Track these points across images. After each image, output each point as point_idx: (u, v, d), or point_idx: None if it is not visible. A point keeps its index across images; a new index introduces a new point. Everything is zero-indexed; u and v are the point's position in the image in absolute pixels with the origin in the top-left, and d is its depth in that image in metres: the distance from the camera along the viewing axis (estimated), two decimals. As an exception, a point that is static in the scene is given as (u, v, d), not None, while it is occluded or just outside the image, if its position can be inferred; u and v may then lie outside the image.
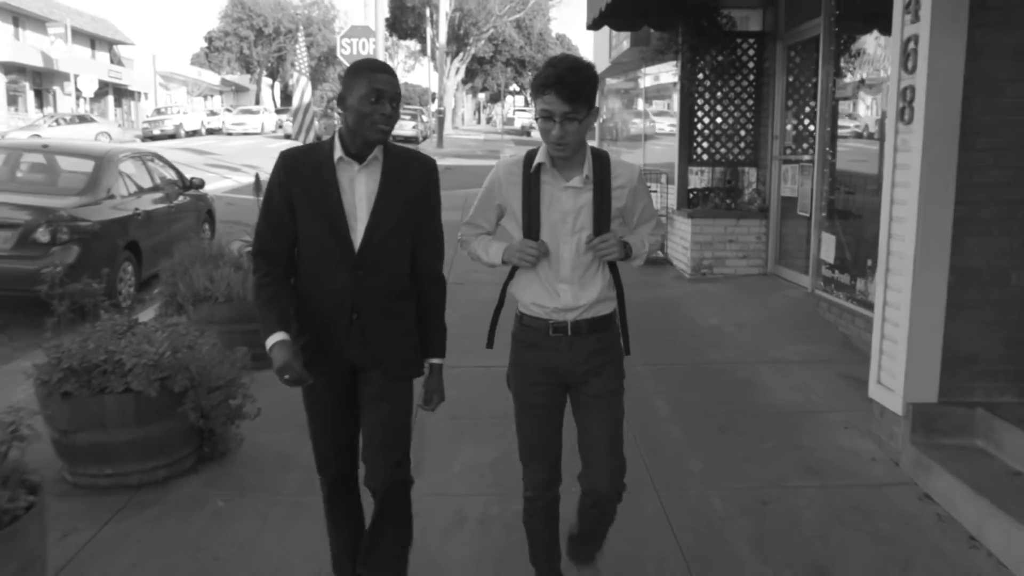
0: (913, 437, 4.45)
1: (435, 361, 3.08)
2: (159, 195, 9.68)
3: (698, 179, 10.17)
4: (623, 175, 2.98)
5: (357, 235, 2.85)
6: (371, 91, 2.74)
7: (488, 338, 3.18)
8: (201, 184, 11.10)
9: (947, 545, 3.79)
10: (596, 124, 16.98)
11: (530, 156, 2.96)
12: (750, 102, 9.53)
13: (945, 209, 4.36)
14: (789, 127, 8.92)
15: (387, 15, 21.27)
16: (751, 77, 9.50)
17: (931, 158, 4.31)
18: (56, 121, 36.88)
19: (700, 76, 9.58)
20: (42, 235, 7.62)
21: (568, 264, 2.93)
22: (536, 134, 38.01)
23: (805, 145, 8.39)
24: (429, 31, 48.48)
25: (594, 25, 9.93)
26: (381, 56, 16.35)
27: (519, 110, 65.29)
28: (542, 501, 3.12)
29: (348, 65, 2.90)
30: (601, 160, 2.95)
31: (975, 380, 4.44)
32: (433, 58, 49.43)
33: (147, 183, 9.66)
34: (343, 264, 2.86)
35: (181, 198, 10.35)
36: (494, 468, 4.52)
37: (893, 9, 4.56)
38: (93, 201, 8.33)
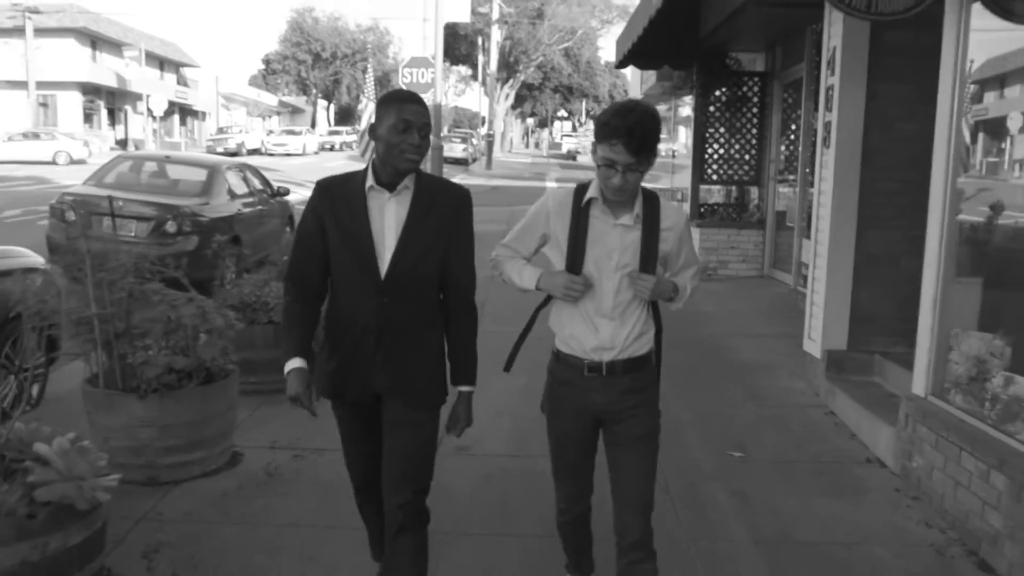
0: (827, 375, 6.13)
1: (464, 389, 3.06)
2: (253, 199, 11.61)
3: (708, 196, 11.90)
4: (671, 218, 2.98)
5: (383, 262, 2.87)
6: (399, 121, 2.77)
7: (508, 360, 3.21)
8: (287, 192, 13.05)
9: (833, 436, 5.49)
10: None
11: (580, 189, 2.97)
12: (753, 131, 11.25)
13: (852, 209, 6.06)
14: (782, 153, 10.63)
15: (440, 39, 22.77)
16: (754, 110, 11.23)
17: (841, 173, 6.02)
18: (9, 138, 36.36)
19: (711, 109, 11.33)
20: (170, 227, 9.56)
21: (609, 300, 2.93)
22: (582, 159, 40.62)
23: (792, 168, 10.09)
24: (481, 58, 50.66)
25: (620, 65, 11.77)
26: (440, 86, 18.25)
27: (566, 135, 67.12)
28: (572, 514, 3.19)
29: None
30: (651, 201, 2.96)
31: (873, 334, 6.10)
32: (484, 84, 51.57)
33: (243, 190, 11.59)
34: (369, 291, 2.88)
35: (270, 203, 12.28)
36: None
37: (821, 65, 6.30)
38: (207, 202, 10.27)
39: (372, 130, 2.84)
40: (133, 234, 9.54)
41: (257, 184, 12.36)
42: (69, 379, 5.85)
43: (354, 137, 53.34)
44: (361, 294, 2.89)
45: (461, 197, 2.99)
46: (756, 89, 11.18)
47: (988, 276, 4.73)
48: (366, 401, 3.02)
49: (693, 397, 6.18)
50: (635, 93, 17.87)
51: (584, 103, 72.16)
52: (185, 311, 4.56)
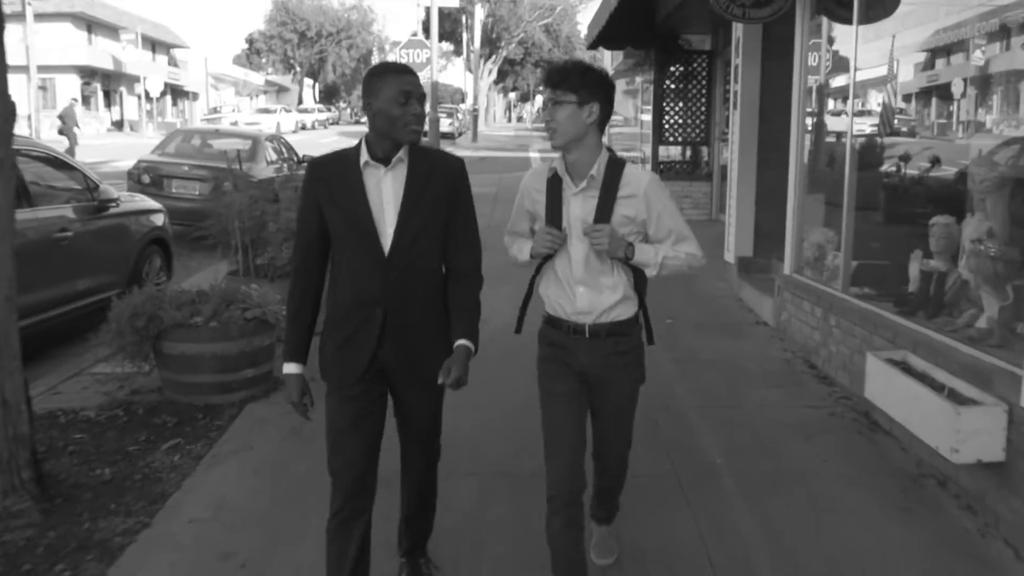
0: (739, 275, 8.49)
1: (462, 343, 2.89)
2: (284, 166, 13.86)
3: (667, 155, 14.24)
4: (632, 184, 2.99)
5: (386, 238, 2.84)
6: (400, 93, 2.75)
7: (517, 323, 3.33)
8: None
9: (737, 311, 7.90)
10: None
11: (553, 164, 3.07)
12: (702, 100, 13.56)
13: (752, 155, 8.40)
14: (724, 118, 12.97)
15: (423, 18, 24.48)
16: (703, 83, 13.53)
17: (744, 129, 8.35)
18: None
19: (667, 82, 13.62)
20: (227, 186, 11.80)
21: (581, 266, 3.00)
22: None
23: (728, 129, 12.43)
24: (464, 35, 52.62)
25: (591, 46, 14.06)
26: (436, 65, 20.47)
27: (547, 109, 69.13)
28: (563, 500, 3.00)
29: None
30: (614, 166, 2.99)
31: (771, 245, 8.44)
32: (468, 60, 53.56)
33: (276, 157, 13.84)
34: (374, 268, 2.85)
35: (296, 170, 14.55)
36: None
37: (731, 48, 8.63)
38: (252, 167, 12.52)
39: (367, 106, 2.79)
40: (197, 192, 11.82)
41: (285, 153, 14.60)
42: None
43: (328, 115, 54.90)
44: (366, 272, 2.86)
45: (457, 167, 3.00)
46: (704, 65, 13.46)
47: (827, 193, 7.07)
48: (368, 381, 2.94)
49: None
50: (608, 67, 20.16)
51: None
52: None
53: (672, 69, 13.48)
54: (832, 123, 6.98)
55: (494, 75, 62.57)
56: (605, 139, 3.15)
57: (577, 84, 2.88)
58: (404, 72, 2.84)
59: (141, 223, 8.12)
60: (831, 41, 6.85)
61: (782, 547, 3.76)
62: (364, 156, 2.85)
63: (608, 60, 20.63)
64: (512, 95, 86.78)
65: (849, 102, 6.20)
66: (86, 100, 50.67)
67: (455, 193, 2.94)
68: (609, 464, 3.37)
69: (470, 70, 54.24)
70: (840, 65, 6.62)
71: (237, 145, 13.26)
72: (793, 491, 4.29)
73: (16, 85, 24.18)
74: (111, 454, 4.65)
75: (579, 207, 3.00)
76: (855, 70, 6.10)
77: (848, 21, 6.08)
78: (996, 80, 5.19)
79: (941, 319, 4.86)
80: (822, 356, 6.11)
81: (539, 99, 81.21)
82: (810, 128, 7.01)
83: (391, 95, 2.76)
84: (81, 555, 3.62)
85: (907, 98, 6.35)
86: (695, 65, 13.47)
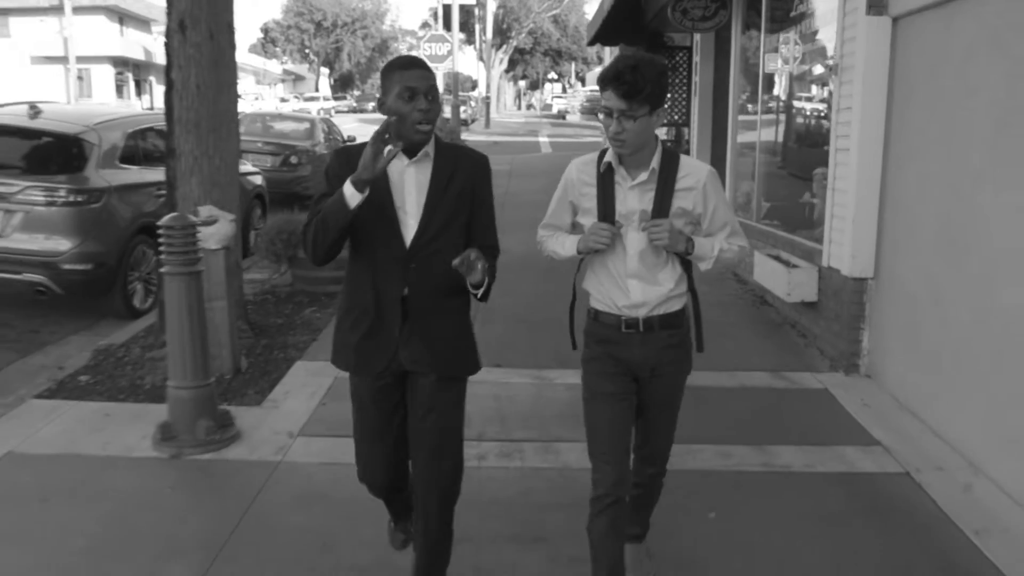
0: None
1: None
2: (334, 143, 16.61)
3: (658, 134, 16.86)
4: (692, 176, 2.94)
5: (408, 230, 2.83)
6: (404, 89, 2.70)
7: (571, 338, 3.27)
8: (353, 139, 18.08)
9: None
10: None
11: (601, 154, 3.00)
12: (684, 88, 16.16)
13: (708, 132, 11.06)
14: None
15: (433, 7, 26.58)
16: (685, 73, 16.13)
17: (703, 110, 11.02)
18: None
19: (654, 73, 16.23)
20: (293, 159, 14.56)
21: (635, 259, 2.94)
22: (571, 118, 45.80)
23: (704, 112, 15.10)
24: (477, 26, 55.13)
25: (590, 43, 16.70)
26: (457, 57, 23.13)
27: (556, 96, 71.44)
28: (610, 499, 2.97)
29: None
30: (670, 158, 2.93)
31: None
32: (480, 50, 56.07)
33: (326, 136, 16.58)
34: (394, 257, 2.83)
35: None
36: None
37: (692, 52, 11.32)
38: (312, 143, 15.27)
39: (381, 104, 2.77)
40: (269, 164, 14.55)
41: (333, 133, 17.35)
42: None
43: (332, 104, 57.31)
44: (385, 262, 2.85)
45: (481, 163, 2.98)
46: (684, 59, 16.02)
47: (751, 157, 9.73)
48: (389, 381, 2.95)
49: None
50: (607, 60, 22.77)
51: (573, 65, 76.63)
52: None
53: (658, 62, 16.10)
54: (751, 105, 9.65)
55: (505, 64, 65.01)
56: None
57: (651, 94, 2.76)
58: (409, 66, 2.78)
59: (249, 182, 10.82)
60: (752, 46, 9.52)
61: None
62: (389, 145, 2.74)
63: (607, 54, 23.29)
64: (522, 83, 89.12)
65: (759, 89, 8.89)
66: (119, 89, 53.51)
67: (480, 188, 2.94)
68: (652, 456, 3.25)
69: (482, 59, 56.69)
70: (759, 61, 9.29)
71: (298, 124, 16.04)
72: (714, 331, 7.06)
73: (56, 75, 28.22)
74: (276, 315, 7.41)
75: (636, 200, 2.93)
76: (763, 66, 8.79)
77: (759, 29, 8.77)
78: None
79: (807, 231, 7.54)
80: (741, 267, 8.80)
81: (548, 87, 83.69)
82: (743, 110, 9.70)
83: (397, 91, 2.72)
84: (281, 351, 6.38)
85: (800, 85, 9.02)
86: (677, 59, 16.07)
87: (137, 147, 8.32)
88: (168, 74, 6.02)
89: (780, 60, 8.36)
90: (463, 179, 2.90)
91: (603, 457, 3.03)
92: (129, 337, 6.78)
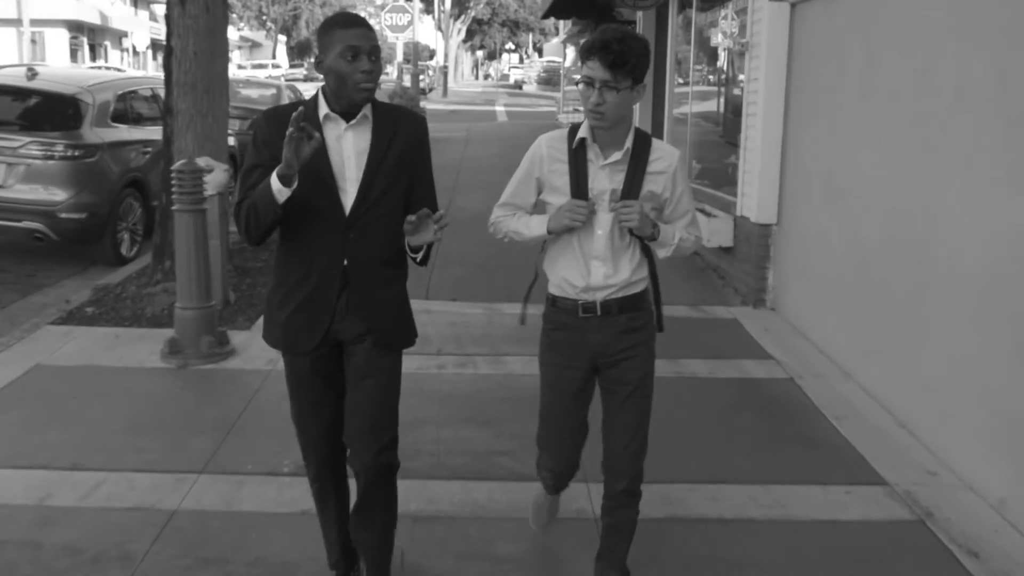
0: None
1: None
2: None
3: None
4: (664, 159, 2.88)
5: (347, 196, 2.72)
6: (346, 48, 2.57)
7: (521, 314, 3.23)
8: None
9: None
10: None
11: (573, 130, 2.91)
12: (632, 60, 17.15)
13: (649, 104, 12.00)
14: (647, 74, 16.62)
15: None
16: (632, 46, 17.10)
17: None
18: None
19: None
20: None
21: (603, 241, 2.88)
22: (527, 88, 46.86)
23: (650, 83, 16.06)
24: (435, -2, 55.61)
25: (545, 16, 17.56)
26: (417, 27, 23.80)
27: (513, 67, 72.11)
28: (553, 483, 3.27)
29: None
30: (642, 140, 2.87)
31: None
32: (439, 20, 56.48)
33: (288, 101, 17.33)
34: (332, 226, 2.71)
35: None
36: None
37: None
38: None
39: (319, 63, 2.64)
40: (237, 128, 15.16)
41: (297, 99, 18.05)
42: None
43: (283, 71, 57.28)
44: (323, 232, 2.72)
45: (421, 125, 2.88)
46: (633, 32, 17.01)
47: (683, 126, 10.70)
48: (324, 353, 2.84)
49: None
50: (561, 32, 23.65)
51: (531, 36, 77.18)
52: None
53: (608, 36, 17.01)
54: (683, 78, 10.61)
55: (463, 34, 65.42)
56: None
57: (635, 67, 2.69)
58: (351, 24, 2.64)
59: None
60: (688, 23, 10.46)
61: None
62: (324, 108, 2.70)
63: (561, 26, 24.13)
64: (480, 53, 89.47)
65: (691, 63, 9.84)
66: (73, 53, 53.11)
67: (420, 152, 2.86)
68: (621, 469, 2.99)
69: (440, 29, 57.11)
70: (688, 39, 10.24)
71: (264, 92, 16.72)
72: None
73: (8, 38, 28.92)
74: (255, 260, 8.22)
75: (607, 180, 2.86)
76: (693, 43, 9.73)
77: (687, 6, 9.70)
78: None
79: (728, 187, 8.50)
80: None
81: (505, 57, 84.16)
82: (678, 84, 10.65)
83: (338, 51, 2.58)
84: (263, 288, 7.20)
85: (728, 60, 9.99)
86: (626, 32, 17.01)
87: (126, 108, 9.10)
88: (168, 41, 6.79)
89: (718, 36, 9.30)
90: (403, 142, 2.80)
91: (551, 450, 3.17)
92: (124, 278, 7.58)
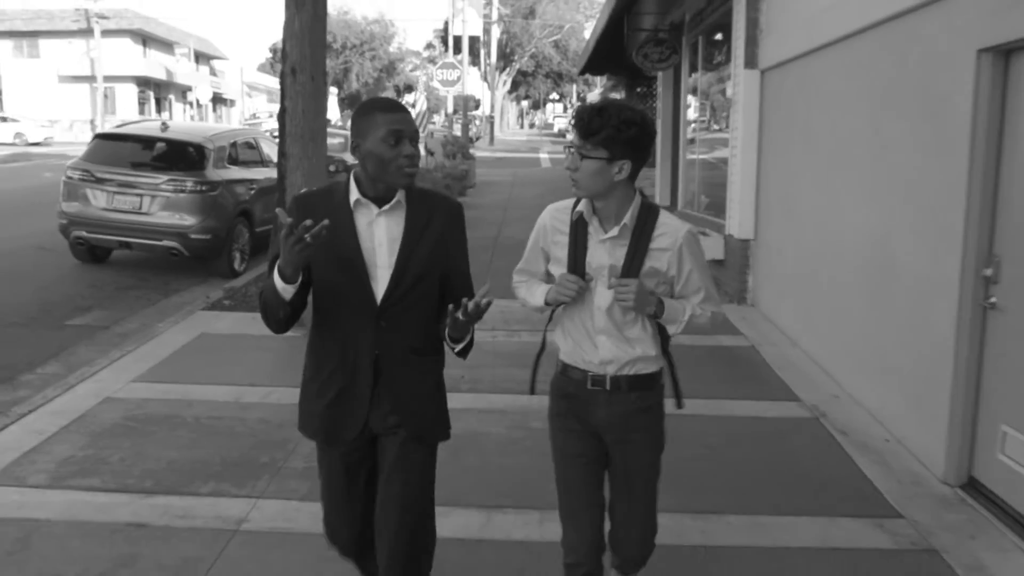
0: (660, 216, 14.18)
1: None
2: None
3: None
4: (668, 235, 2.77)
5: (379, 284, 2.65)
6: (389, 133, 2.54)
7: (530, 383, 3.12)
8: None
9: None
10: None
11: (576, 203, 2.86)
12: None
13: (669, 147, 14.03)
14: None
15: (437, 29, 29.08)
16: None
17: (664, 130, 14.00)
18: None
19: (635, 98, 19.28)
20: (331, 168, 17.53)
21: (603, 316, 2.81)
22: (571, 136, 51.19)
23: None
24: (482, 51, 58.30)
25: (581, 73, 19.73)
26: (466, 81, 26.16)
27: (557, 116, 74.79)
28: (582, 567, 2.92)
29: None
30: (649, 213, 2.79)
31: (675, 195, 14.09)
32: (485, 73, 59.22)
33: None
34: (363, 315, 2.66)
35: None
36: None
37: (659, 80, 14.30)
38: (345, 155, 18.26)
39: (355, 148, 2.58)
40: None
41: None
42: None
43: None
44: (354, 320, 2.67)
45: (456, 210, 2.82)
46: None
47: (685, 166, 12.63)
48: (360, 445, 2.79)
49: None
50: (598, 86, 25.81)
51: (575, 86, 79.82)
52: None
53: (638, 89, 19.16)
54: (695, 127, 12.60)
55: (508, 85, 68.09)
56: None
57: (610, 138, 2.61)
58: (392, 109, 2.60)
59: (234, 194, 13.75)
60: (695, 84, 12.49)
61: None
62: (354, 194, 2.64)
63: (598, 81, 26.33)
64: (524, 103, 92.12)
65: (692, 113, 11.85)
66: (141, 106, 56.60)
67: (455, 237, 2.78)
68: (630, 555, 3.00)
69: (486, 80, 59.78)
70: (696, 95, 12.26)
71: (332, 141, 19.02)
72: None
73: (83, 93, 32.59)
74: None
75: (606, 254, 2.78)
76: (698, 99, 11.75)
77: (695, 70, 11.74)
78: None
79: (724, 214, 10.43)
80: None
81: (550, 107, 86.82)
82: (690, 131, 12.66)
83: (380, 136, 2.54)
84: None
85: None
86: (653, 86, 19.11)
87: (236, 153, 11.37)
88: (282, 102, 8.86)
89: (716, 94, 11.32)
90: (438, 229, 2.72)
91: (572, 523, 2.95)
92: (245, 282, 9.72)
